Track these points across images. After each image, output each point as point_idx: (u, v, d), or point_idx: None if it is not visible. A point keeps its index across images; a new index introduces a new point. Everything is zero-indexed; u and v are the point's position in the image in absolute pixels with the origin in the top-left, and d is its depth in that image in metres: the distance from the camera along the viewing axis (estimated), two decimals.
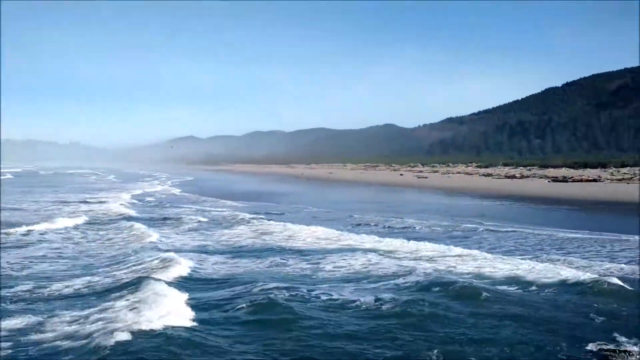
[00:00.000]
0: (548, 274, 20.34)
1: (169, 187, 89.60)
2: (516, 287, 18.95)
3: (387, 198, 68.56)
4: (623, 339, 13.31)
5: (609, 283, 18.66)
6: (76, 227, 34.00)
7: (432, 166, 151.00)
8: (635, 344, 12.81)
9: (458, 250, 25.89)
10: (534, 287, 18.91)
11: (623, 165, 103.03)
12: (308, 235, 30.85)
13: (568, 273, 20.39)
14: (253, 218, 39.08)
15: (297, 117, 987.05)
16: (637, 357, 12.07)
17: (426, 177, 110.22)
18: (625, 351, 12.29)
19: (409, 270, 20.83)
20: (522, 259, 24.09)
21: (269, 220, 38.22)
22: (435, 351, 12.37)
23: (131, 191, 72.92)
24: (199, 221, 37.72)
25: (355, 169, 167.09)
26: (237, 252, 26.11)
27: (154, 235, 30.05)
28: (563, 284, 18.99)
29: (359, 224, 37.77)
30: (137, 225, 34.05)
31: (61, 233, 31.52)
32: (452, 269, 21.85)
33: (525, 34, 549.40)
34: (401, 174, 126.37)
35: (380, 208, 51.96)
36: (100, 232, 32.42)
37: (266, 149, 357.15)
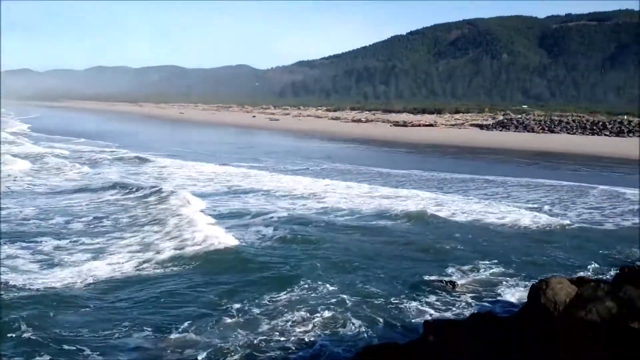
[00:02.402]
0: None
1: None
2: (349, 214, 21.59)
3: (240, 140, 69.50)
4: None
5: (430, 215, 22.03)
6: None
7: (284, 108, 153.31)
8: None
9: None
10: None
11: (457, 112, 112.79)
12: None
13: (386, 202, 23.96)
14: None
15: (145, 53, 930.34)
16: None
17: (278, 120, 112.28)
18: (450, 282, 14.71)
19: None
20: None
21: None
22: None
23: None
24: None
25: (208, 109, 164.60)
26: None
27: None
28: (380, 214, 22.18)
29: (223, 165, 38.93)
30: None
31: None
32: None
33: None
34: (254, 116, 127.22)
35: (231, 150, 53.09)
36: None
37: (111, 86, 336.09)
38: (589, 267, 16.03)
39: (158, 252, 16.88)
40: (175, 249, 17.27)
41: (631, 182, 33.06)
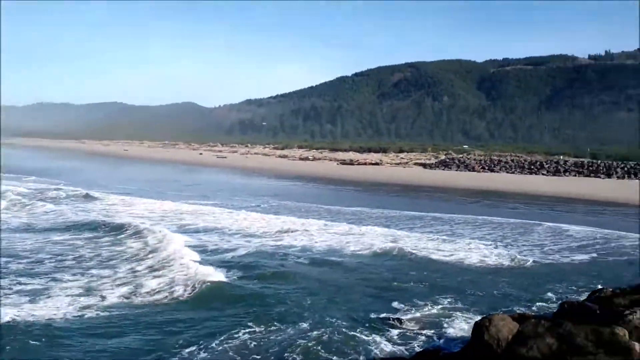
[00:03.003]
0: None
1: None
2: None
3: (187, 177, 68.86)
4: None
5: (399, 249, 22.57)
6: None
7: (232, 146, 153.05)
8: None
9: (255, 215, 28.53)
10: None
11: (401, 151, 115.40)
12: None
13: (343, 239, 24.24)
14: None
15: (90, 89, 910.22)
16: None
17: (225, 157, 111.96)
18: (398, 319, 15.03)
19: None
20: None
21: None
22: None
23: None
24: None
25: (154, 146, 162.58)
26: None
27: None
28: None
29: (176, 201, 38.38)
30: None
31: None
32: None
33: (321, 26, 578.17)
34: (200, 153, 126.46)
35: (179, 187, 52.52)
36: None
37: (55, 123, 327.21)
38: (532, 302, 16.67)
39: (103, 298, 16.66)
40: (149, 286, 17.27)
41: (572, 220, 34.81)
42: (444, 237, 27.78)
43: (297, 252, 23.32)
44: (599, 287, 16.24)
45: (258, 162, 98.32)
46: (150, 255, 21.58)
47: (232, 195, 46.48)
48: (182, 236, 25.28)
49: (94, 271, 19.33)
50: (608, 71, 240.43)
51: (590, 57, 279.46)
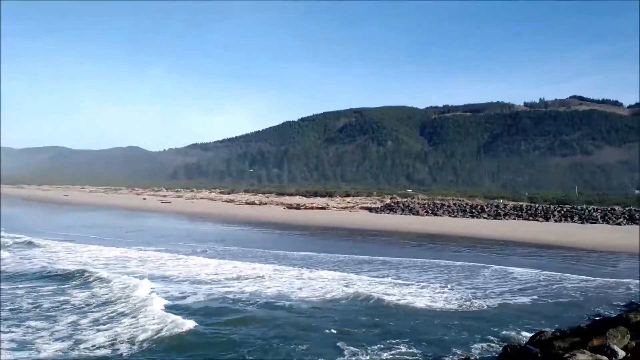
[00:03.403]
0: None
1: None
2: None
3: (130, 223, 67.37)
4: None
5: (335, 297, 22.52)
6: None
7: (177, 191, 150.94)
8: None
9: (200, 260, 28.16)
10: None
11: (347, 195, 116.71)
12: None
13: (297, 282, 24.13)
14: None
15: (29, 133, 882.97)
16: None
17: (170, 202, 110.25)
18: None
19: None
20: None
21: None
22: None
23: None
24: None
25: (95, 192, 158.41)
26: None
27: None
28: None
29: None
30: None
31: None
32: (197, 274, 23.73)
33: (265, 71, 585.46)
34: (144, 198, 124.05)
35: (121, 233, 51.39)
36: None
37: None
38: (478, 345, 17.12)
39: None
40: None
41: (516, 262, 36.08)
42: (393, 281, 28.17)
43: (248, 298, 23.16)
44: (541, 330, 16.97)
45: (204, 207, 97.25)
46: (98, 304, 21.02)
47: (177, 240, 45.82)
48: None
49: (31, 323, 18.67)
50: (542, 118, 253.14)
51: (525, 104, 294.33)
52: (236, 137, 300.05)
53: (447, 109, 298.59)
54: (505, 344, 15.18)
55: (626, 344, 12.54)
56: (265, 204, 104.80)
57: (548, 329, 16.36)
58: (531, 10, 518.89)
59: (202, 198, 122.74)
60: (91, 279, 25.72)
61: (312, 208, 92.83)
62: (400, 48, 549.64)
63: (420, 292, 25.32)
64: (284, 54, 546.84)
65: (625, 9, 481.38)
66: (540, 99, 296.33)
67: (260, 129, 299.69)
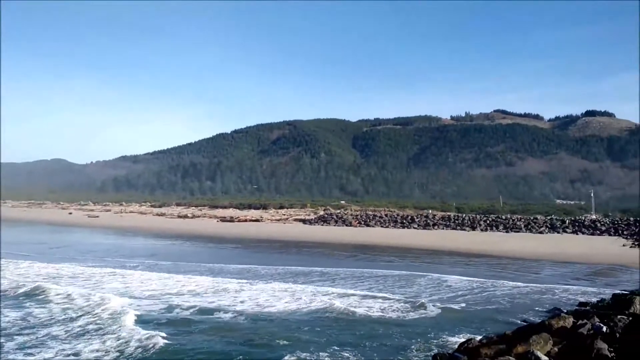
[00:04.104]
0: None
1: None
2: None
3: (54, 238, 64.71)
4: None
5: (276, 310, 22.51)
6: None
7: (105, 205, 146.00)
8: None
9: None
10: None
11: (281, 207, 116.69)
12: None
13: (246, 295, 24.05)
14: None
15: None
16: None
17: (98, 216, 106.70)
18: None
19: None
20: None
21: None
22: None
23: None
24: None
25: (17, 206, 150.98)
26: None
27: None
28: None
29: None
30: None
31: None
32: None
33: (198, 82, 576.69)
34: (70, 213, 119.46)
35: (44, 250, 49.40)
36: None
37: None
38: (411, 353, 17.59)
39: None
40: None
41: (450, 270, 37.44)
42: (335, 291, 28.51)
43: (186, 311, 22.81)
44: (472, 336, 17.66)
45: (134, 221, 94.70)
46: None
47: (105, 256, 44.43)
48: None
49: None
50: (468, 131, 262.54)
51: (452, 117, 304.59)
52: (167, 149, 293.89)
53: (378, 121, 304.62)
54: (435, 352, 15.64)
55: (549, 349, 13.07)
56: (198, 217, 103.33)
57: (477, 336, 17.01)
58: (455, 28, 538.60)
59: (131, 212, 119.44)
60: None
61: (246, 220, 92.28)
62: (332, 61, 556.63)
63: (361, 302, 25.69)
64: (216, 65, 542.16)
65: (539, 28, 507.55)
66: (465, 113, 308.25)
67: (193, 141, 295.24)
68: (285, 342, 18.41)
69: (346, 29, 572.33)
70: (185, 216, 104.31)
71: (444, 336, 19.61)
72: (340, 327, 20.86)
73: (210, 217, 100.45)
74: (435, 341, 18.99)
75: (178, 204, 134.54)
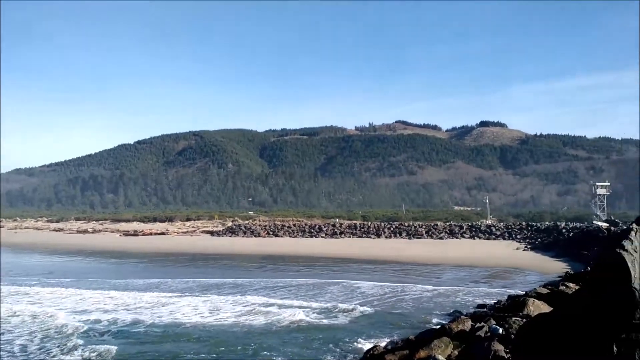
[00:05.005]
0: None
1: None
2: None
3: None
4: None
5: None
6: None
7: None
8: None
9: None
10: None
11: (188, 219, 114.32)
12: None
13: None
14: None
15: None
16: None
17: None
18: None
19: None
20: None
21: None
22: None
23: None
24: None
25: None
26: None
27: None
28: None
29: None
30: None
31: None
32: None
33: (98, 91, 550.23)
34: None
35: None
36: None
37: None
38: (330, 358, 18.03)
39: None
40: None
41: (359, 277, 38.33)
42: (253, 301, 28.47)
43: (89, 330, 22.03)
44: (381, 341, 18.38)
45: (29, 237, 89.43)
46: None
47: None
48: None
49: None
50: (372, 141, 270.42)
51: (356, 128, 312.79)
52: (65, 160, 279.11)
53: (285, 132, 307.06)
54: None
55: (450, 353, 13.76)
56: (100, 231, 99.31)
57: (383, 342, 17.71)
58: (356, 40, 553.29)
59: (27, 228, 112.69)
60: None
61: (150, 234, 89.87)
62: (238, 72, 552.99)
63: (278, 311, 25.83)
64: (117, 74, 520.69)
65: (437, 42, 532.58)
66: (369, 124, 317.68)
67: (93, 152, 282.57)
68: (210, 353, 18.37)
69: (251, 39, 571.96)
70: (86, 231, 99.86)
71: (356, 342, 20.15)
72: (267, 336, 20.90)
73: (113, 232, 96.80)
74: (350, 346, 19.51)
75: (77, 219, 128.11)
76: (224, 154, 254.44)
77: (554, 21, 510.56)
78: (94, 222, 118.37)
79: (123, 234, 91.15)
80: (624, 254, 7.78)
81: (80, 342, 20.08)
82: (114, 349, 19.02)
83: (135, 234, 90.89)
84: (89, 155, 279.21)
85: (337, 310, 26.16)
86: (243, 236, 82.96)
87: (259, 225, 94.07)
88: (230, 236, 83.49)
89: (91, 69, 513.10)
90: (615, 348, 7.27)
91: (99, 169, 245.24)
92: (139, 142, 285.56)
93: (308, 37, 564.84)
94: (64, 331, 21.93)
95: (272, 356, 18.06)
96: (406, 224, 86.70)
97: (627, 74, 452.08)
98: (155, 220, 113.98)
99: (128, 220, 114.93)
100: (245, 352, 18.78)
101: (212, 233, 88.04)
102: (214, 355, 18.46)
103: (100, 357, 18.05)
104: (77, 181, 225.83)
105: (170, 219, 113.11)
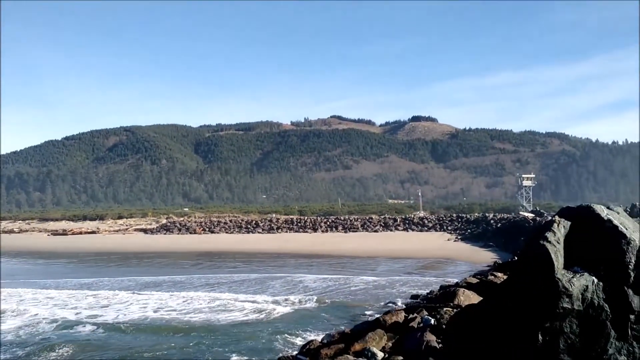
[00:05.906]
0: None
1: None
2: None
3: None
4: None
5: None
6: None
7: None
8: None
9: None
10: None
11: (120, 217, 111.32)
12: None
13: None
14: None
15: None
16: None
17: None
18: None
19: None
20: None
21: None
22: None
23: None
24: None
25: None
26: None
27: None
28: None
29: None
30: None
31: None
32: None
33: (22, 86, 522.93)
34: None
35: None
36: None
37: None
38: (264, 355, 18.15)
39: None
40: None
41: (304, 271, 38.67)
42: (195, 297, 28.16)
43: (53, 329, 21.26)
44: (317, 336, 18.71)
45: None
46: None
47: None
48: None
49: None
50: (308, 136, 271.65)
51: (292, 123, 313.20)
52: None
53: (220, 127, 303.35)
54: (279, 356, 16.18)
55: (384, 345, 14.01)
56: (26, 231, 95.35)
57: (319, 337, 18.00)
58: (290, 33, 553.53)
59: None
60: None
61: (80, 233, 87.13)
62: (170, 66, 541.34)
63: (225, 306, 25.67)
64: (44, 68, 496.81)
65: (370, 37, 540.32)
66: (305, 118, 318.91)
67: (18, 149, 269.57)
68: (154, 354, 18.14)
69: (182, 32, 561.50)
70: (11, 231, 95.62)
71: (294, 336, 20.36)
72: (212, 332, 20.70)
73: (41, 231, 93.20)
74: (291, 340, 19.65)
75: (3, 218, 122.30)
76: (157, 150, 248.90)
77: (480, 20, 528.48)
78: (20, 221, 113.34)
79: (51, 234, 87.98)
80: (547, 245, 8.11)
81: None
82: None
83: (64, 233, 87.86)
84: (14, 152, 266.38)
85: (280, 304, 26.34)
86: (178, 233, 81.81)
87: (195, 222, 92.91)
88: (165, 234, 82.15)
89: (11, 64, 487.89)
90: (540, 337, 7.69)
91: (24, 167, 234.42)
92: (67, 138, 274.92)
93: (241, 31, 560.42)
94: None
95: (197, 355, 17.89)
96: (342, 218, 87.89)
97: (547, 72, 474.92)
98: (85, 218, 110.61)
99: (56, 219, 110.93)
100: (183, 352, 18.69)
101: (145, 231, 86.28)
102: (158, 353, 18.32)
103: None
104: (2, 179, 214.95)
105: (102, 217, 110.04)
